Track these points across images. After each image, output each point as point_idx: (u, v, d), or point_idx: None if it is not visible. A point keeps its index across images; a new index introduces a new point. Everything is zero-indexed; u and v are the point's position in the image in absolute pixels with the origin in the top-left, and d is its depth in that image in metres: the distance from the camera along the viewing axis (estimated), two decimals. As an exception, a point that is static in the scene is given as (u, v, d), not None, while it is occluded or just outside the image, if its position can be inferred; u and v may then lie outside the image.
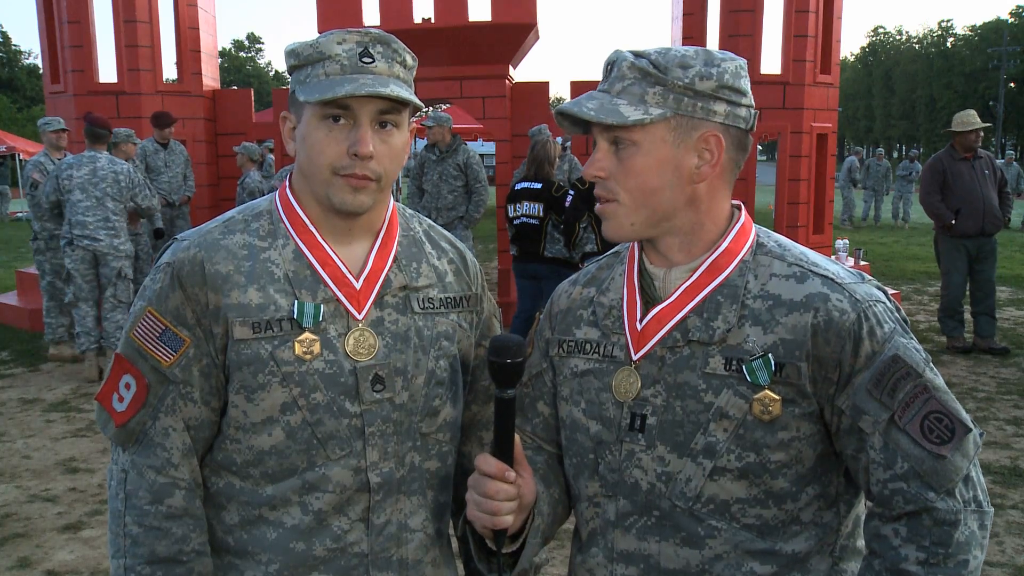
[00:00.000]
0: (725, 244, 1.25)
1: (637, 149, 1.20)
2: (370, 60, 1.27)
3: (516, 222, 6.45)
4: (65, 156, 7.13)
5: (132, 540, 1.30)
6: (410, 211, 1.50)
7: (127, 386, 1.32)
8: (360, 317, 1.33)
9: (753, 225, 1.30)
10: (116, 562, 1.32)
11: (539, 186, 6.36)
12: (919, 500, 1.14)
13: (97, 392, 1.36)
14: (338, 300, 1.32)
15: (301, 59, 1.29)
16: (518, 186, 6.52)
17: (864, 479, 1.20)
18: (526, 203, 6.37)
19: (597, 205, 1.27)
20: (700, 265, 1.25)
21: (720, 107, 1.20)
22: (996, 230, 7.21)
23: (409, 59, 1.33)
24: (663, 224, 1.24)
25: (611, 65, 1.23)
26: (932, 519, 1.13)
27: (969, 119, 7.22)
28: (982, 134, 7.23)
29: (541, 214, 6.30)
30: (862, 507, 1.31)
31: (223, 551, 1.36)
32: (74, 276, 6.52)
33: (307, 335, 1.30)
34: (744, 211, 1.31)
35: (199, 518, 1.33)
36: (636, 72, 1.19)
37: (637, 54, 1.21)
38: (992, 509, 1.18)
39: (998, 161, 7.52)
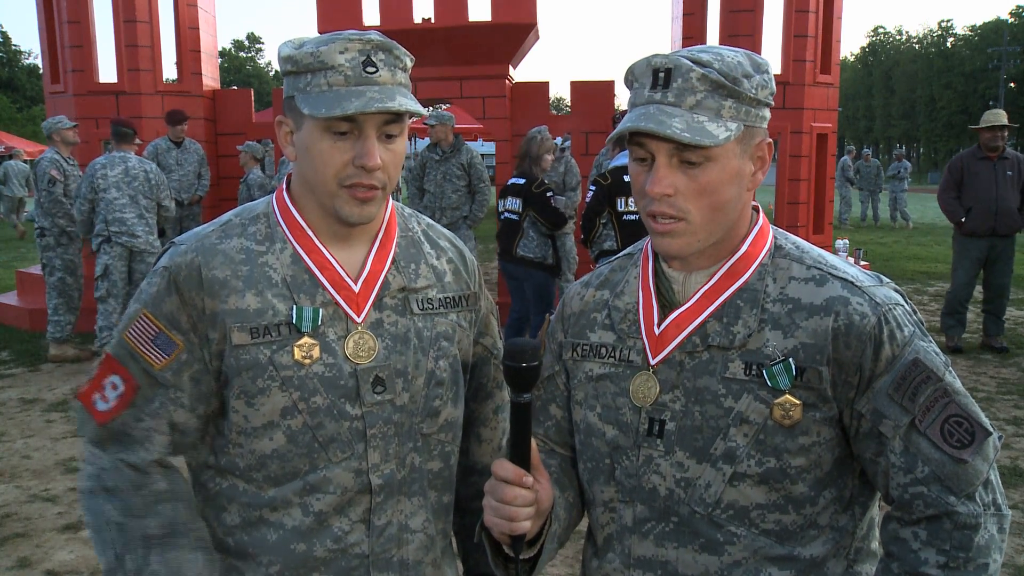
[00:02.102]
0: (744, 248, 1.25)
1: (712, 165, 1.16)
2: (374, 70, 1.25)
3: (501, 217, 6.40)
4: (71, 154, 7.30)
5: (117, 527, 1.28)
6: (409, 210, 1.49)
7: (113, 386, 1.31)
8: (359, 320, 1.33)
9: (770, 227, 1.29)
10: (106, 557, 1.29)
11: (522, 181, 6.26)
12: (940, 504, 1.13)
13: (80, 391, 1.34)
14: (337, 304, 1.32)
15: (300, 66, 1.26)
16: (508, 182, 6.47)
17: (883, 483, 1.19)
18: (509, 198, 6.30)
19: (657, 223, 1.19)
20: (719, 269, 1.24)
21: (767, 113, 1.21)
22: (1010, 232, 7.13)
23: (408, 61, 1.31)
24: (720, 234, 1.22)
25: (666, 73, 1.16)
26: (953, 523, 1.13)
27: (992, 117, 7.15)
28: (1006, 134, 7.13)
29: (520, 210, 6.19)
30: (876, 509, 1.30)
31: (223, 552, 1.35)
32: (111, 272, 6.65)
33: (306, 339, 1.29)
34: (761, 213, 1.30)
35: (187, 499, 1.32)
36: (707, 84, 1.14)
37: (697, 62, 1.15)
38: (1010, 512, 1.18)
39: None
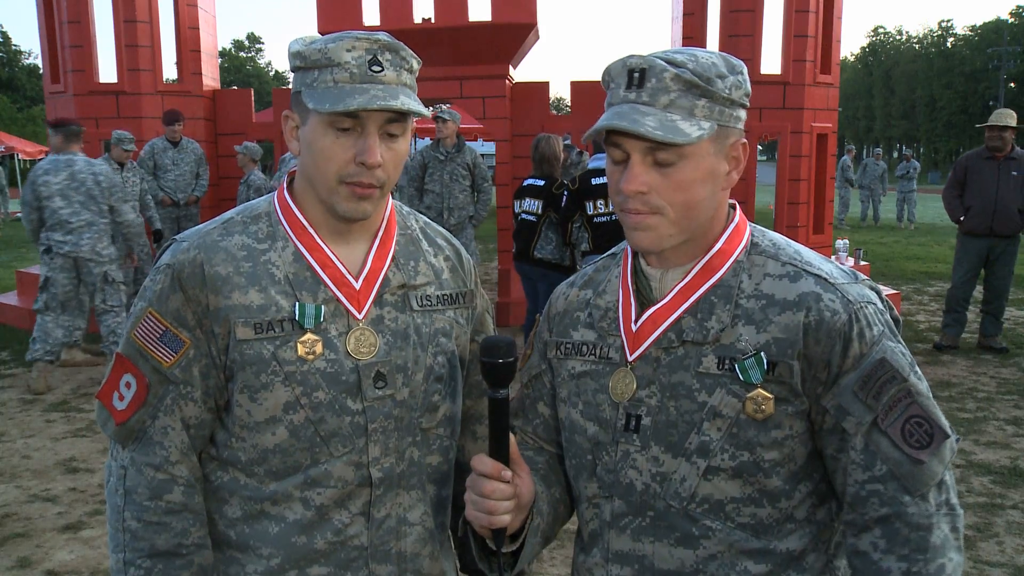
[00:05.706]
0: (719, 244, 1.26)
1: (686, 163, 1.18)
2: (379, 69, 1.27)
3: (519, 218, 6.47)
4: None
5: (131, 534, 1.32)
6: (407, 208, 1.52)
7: (127, 385, 1.34)
8: (360, 316, 1.35)
9: (747, 224, 1.31)
10: (116, 556, 1.34)
11: (542, 183, 6.35)
12: (893, 503, 1.15)
13: (98, 390, 1.37)
14: (338, 300, 1.34)
15: (308, 62, 1.28)
16: (525, 182, 6.53)
17: (841, 480, 1.21)
18: (528, 200, 6.38)
19: (631, 217, 1.21)
20: (695, 266, 1.26)
21: (742, 113, 1.23)
22: (1009, 232, 7.12)
23: (415, 64, 1.33)
24: (693, 231, 1.24)
25: (641, 73, 1.18)
26: (907, 525, 1.15)
27: (997, 116, 7.16)
28: (1009, 134, 7.12)
29: (539, 211, 6.29)
30: None
31: (224, 545, 1.38)
32: (50, 284, 6.26)
33: (309, 336, 1.31)
34: (739, 210, 1.32)
35: (199, 513, 1.35)
36: (681, 84, 1.16)
37: (671, 62, 1.17)
38: (963, 511, 1.20)
39: None
